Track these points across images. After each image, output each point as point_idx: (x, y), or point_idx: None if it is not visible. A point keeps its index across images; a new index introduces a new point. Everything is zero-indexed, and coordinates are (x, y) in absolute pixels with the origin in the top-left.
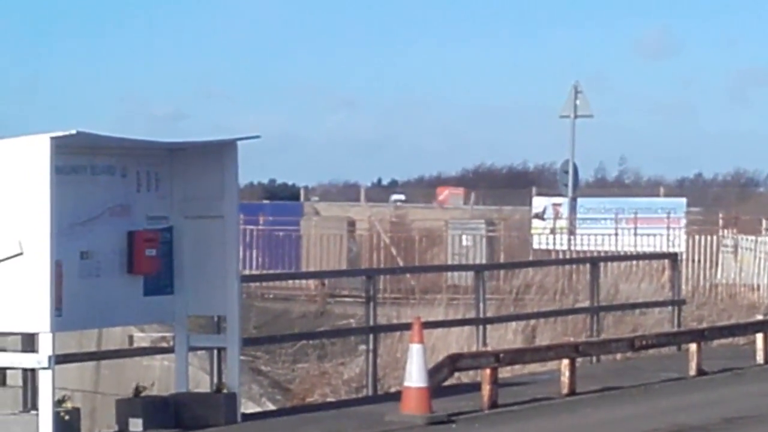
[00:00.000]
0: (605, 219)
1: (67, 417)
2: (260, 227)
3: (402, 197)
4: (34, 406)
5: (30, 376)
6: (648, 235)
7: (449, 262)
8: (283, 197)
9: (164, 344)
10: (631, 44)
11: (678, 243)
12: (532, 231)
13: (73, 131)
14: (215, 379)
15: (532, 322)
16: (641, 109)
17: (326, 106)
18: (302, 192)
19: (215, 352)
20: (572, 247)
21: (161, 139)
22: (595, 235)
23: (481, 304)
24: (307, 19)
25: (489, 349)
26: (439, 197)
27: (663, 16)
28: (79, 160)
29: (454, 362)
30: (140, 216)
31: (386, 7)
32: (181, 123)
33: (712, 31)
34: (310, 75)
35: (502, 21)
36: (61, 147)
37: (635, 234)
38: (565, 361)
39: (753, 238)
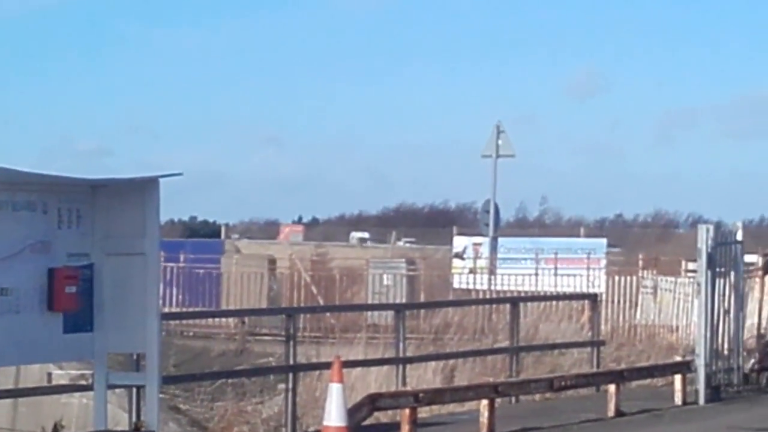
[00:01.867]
0: (525, 259)
1: None
2: (181, 265)
3: (366, 235)
4: None
5: None
6: (568, 275)
7: (369, 301)
8: (204, 235)
9: (83, 382)
10: (558, 84)
11: (598, 283)
12: (453, 270)
13: None
14: (134, 418)
15: (452, 361)
16: (565, 149)
17: (250, 143)
18: (223, 230)
19: (134, 390)
20: (492, 287)
21: (84, 175)
22: (516, 275)
23: (401, 344)
24: (233, 56)
25: (408, 388)
26: (281, 235)
27: (591, 57)
28: None
29: (374, 402)
30: (61, 253)
31: (311, 46)
32: (105, 159)
33: (639, 73)
34: (235, 113)
35: (427, 59)
36: None
37: (555, 274)
38: (485, 402)
39: (672, 279)
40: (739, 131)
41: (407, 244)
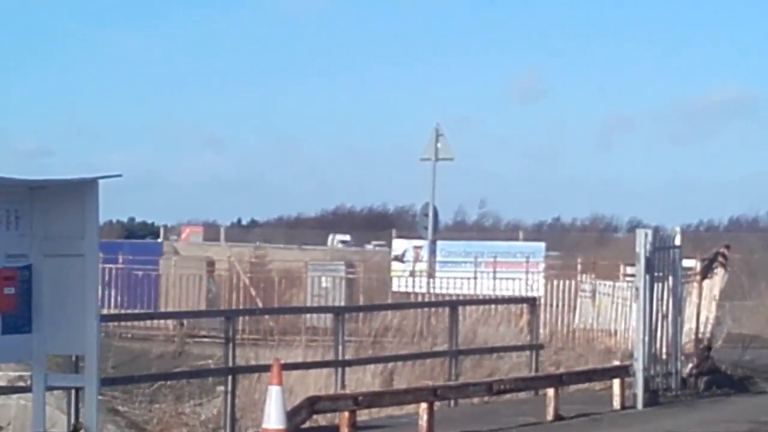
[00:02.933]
0: (465, 262)
1: None
2: (119, 266)
3: (347, 237)
4: None
5: None
6: (507, 279)
7: (308, 304)
8: (143, 236)
9: (21, 383)
10: (500, 88)
11: (536, 287)
12: (392, 273)
13: None
14: (72, 419)
15: (391, 364)
16: (505, 153)
17: (190, 145)
18: (162, 231)
19: (73, 391)
20: (431, 290)
21: (23, 176)
22: (455, 278)
23: (340, 347)
24: (174, 58)
25: (347, 391)
26: (182, 235)
27: (532, 61)
28: None
29: (313, 405)
30: None
31: (254, 47)
32: (45, 160)
33: (580, 78)
34: (176, 114)
35: (367, 62)
36: None
37: (494, 278)
38: (424, 405)
39: (611, 283)
40: (679, 136)
41: (340, 245)
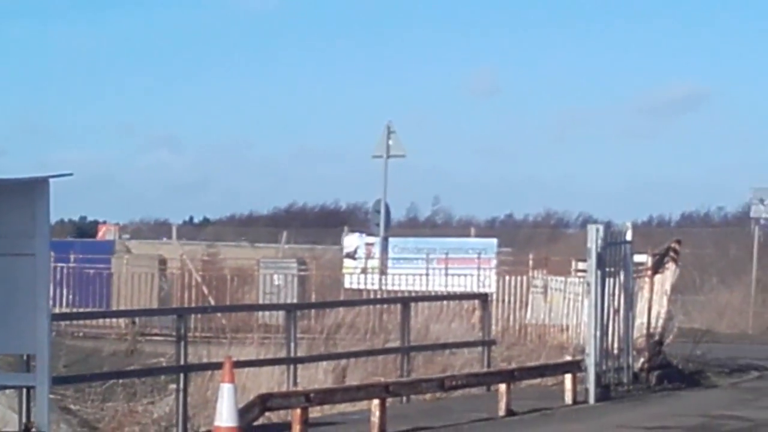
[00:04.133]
0: (416, 259)
1: None
2: (71, 265)
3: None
4: None
5: None
6: (459, 275)
7: (261, 301)
8: (94, 235)
9: None
10: (454, 85)
11: (488, 283)
12: (344, 270)
13: None
14: (24, 418)
15: (343, 361)
16: (458, 150)
17: (143, 143)
18: (113, 230)
19: (24, 390)
20: (383, 287)
21: None
22: (407, 274)
23: (292, 344)
24: (128, 56)
25: (300, 388)
26: (98, 234)
27: (487, 57)
28: None
29: (265, 402)
30: None
31: (205, 46)
32: None
33: (535, 74)
34: (131, 112)
35: (320, 59)
36: None
37: (446, 274)
38: (376, 401)
39: (562, 278)
40: (632, 132)
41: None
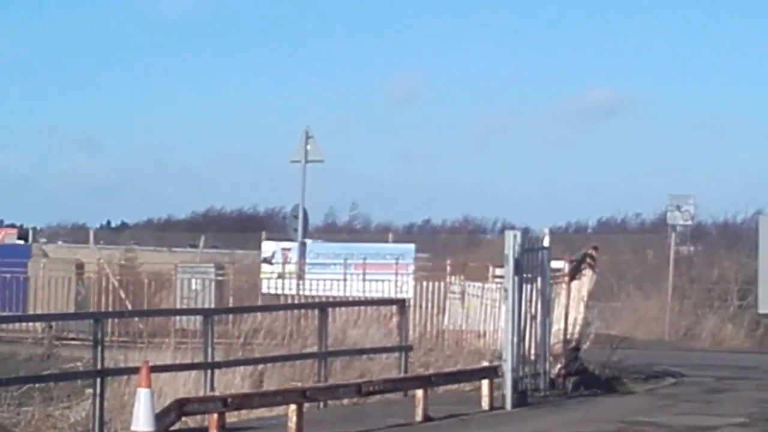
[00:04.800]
0: (334, 264)
1: None
2: None
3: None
4: None
5: None
6: (376, 280)
7: (178, 306)
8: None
9: None
10: (374, 90)
11: (406, 289)
12: (261, 275)
13: None
14: None
15: (261, 366)
16: (378, 155)
17: (61, 147)
18: (30, 233)
19: None
20: (301, 292)
21: None
22: (324, 280)
23: (209, 349)
24: (48, 58)
25: (216, 393)
26: None
27: (408, 63)
28: None
29: (182, 406)
30: None
31: (124, 50)
32: None
33: (455, 80)
34: (49, 116)
35: (239, 63)
36: None
37: (364, 279)
38: (293, 406)
39: (480, 284)
40: (551, 138)
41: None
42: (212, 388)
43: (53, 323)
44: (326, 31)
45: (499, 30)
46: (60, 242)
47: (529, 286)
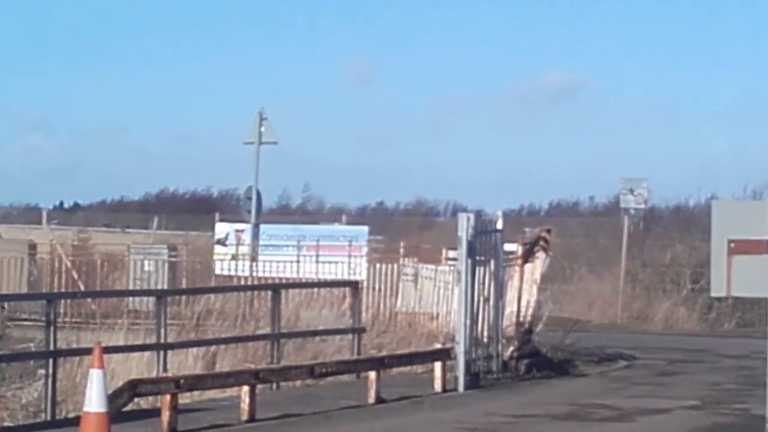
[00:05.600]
0: (287, 246)
1: None
2: None
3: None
4: None
5: None
6: (330, 262)
7: (131, 287)
8: None
9: None
10: (331, 72)
11: (359, 271)
12: (215, 257)
13: None
14: None
15: (213, 348)
16: (334, 137)
17: (16, 128)
18: None
19: None
20: (254, 274)
21: None
22: (277, 261)
23: (162, 330)
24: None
25: (169, 374)
26: None
27: (365, 44)
28: None
29: (134, 388)
30: None
31: (79, 29)
32: None
33: (413, 62)
34: (2, 96)
35: (193, 43)
36: None
37: (317, 261)
38: (245, 388)
39: (433, 267)
40: (507, 121)
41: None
42: (165, 370)
43: (5, 304)
44: (283, 11)
45: (456, 13)
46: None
47: (482, 269)
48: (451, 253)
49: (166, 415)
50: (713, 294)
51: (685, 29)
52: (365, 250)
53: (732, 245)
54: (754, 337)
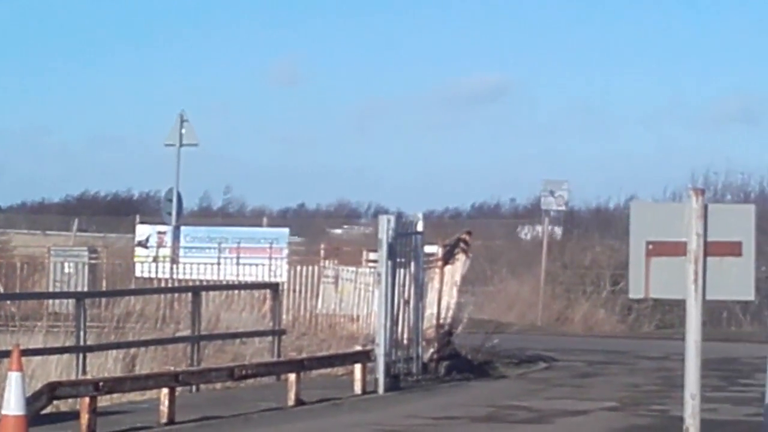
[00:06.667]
0: (208, 248)
1: None
2: None
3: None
4: None
5: None
6: (250, 264)
7: (51, 289)
8: None
9: None
10: (256, 74)
11: (280, 273)
12: (136, 259)
13: None
14: None
15: (133, 350)
16: (257, 139)
17: None
18: None
19: None
20: (175, 276)
21: None
22: (198, 264)
23: (82, 332)
24: None
25: (88, 377)
26: None
27: (291, 45)
28: None
29: (53, 390)
30: None
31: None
32: None
33: (339, 62)
34: None
35: (115, 45)
36: None
37: (238, 263)
38: (165, 390)
39: (353, 269)
40: (431, 123)
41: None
42: (84, 372)
43: None
44: (206, 13)
45: (381, 15)
46: None
47: (402, 271)
48: (372, 255)
49: (85, 418)
50: (631, 296)
51: (608, 32)
52: (286, 252)
53: (650, 247)
54: (673, 339)
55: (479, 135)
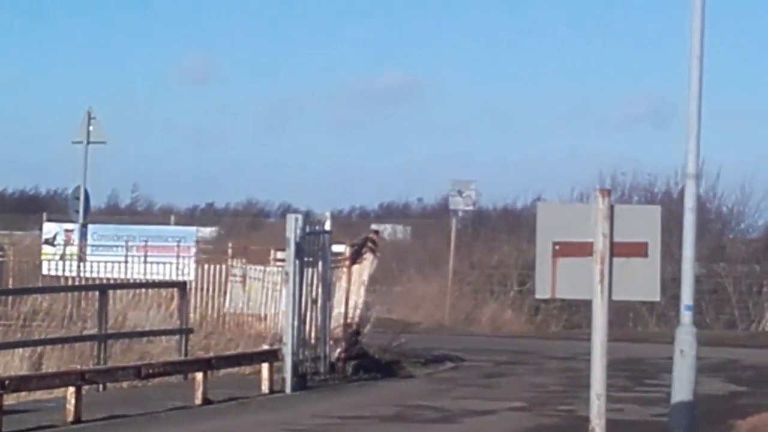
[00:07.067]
0: (116, 246)
1: None
2: None
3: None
4: None
5: None
6: (158, 263)
7: None
8: None
9: None
10: (165, 71)
11: (187, 271)
12: (42, 257)
13: None
14: None
15: (40, 348)
16: (166, 137)
17: None
18: None
19: None
20: (82, 274)
21: None
22: (105, 262)
23: None
24: None
25: None
26: None
27: (200, 43)
28: None
29: None
30: None
31: None
32: None
33: (250, 61)
34: None
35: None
36: None
37: (145, 262)
38: (71, 389)
39: (261, 268)
40: (341, 122)
41: None
42: None
43: None
44: (113, 8)
45: (292, 11)
46: None
47: (310, 270)
48: (280, 254)
49: None
50: (538, 296)
51: (517, 34)
52: (193, 250)
53: (557, 247)
54: (580, 339)
55: (388, 134)
